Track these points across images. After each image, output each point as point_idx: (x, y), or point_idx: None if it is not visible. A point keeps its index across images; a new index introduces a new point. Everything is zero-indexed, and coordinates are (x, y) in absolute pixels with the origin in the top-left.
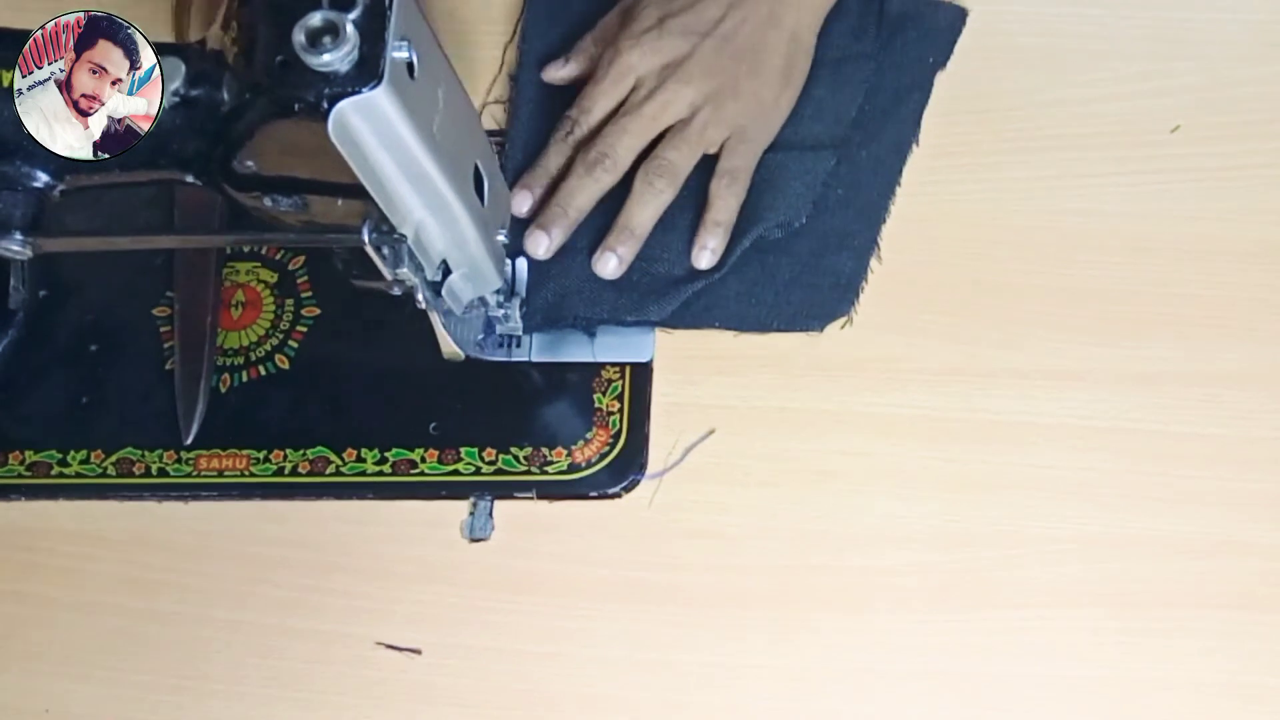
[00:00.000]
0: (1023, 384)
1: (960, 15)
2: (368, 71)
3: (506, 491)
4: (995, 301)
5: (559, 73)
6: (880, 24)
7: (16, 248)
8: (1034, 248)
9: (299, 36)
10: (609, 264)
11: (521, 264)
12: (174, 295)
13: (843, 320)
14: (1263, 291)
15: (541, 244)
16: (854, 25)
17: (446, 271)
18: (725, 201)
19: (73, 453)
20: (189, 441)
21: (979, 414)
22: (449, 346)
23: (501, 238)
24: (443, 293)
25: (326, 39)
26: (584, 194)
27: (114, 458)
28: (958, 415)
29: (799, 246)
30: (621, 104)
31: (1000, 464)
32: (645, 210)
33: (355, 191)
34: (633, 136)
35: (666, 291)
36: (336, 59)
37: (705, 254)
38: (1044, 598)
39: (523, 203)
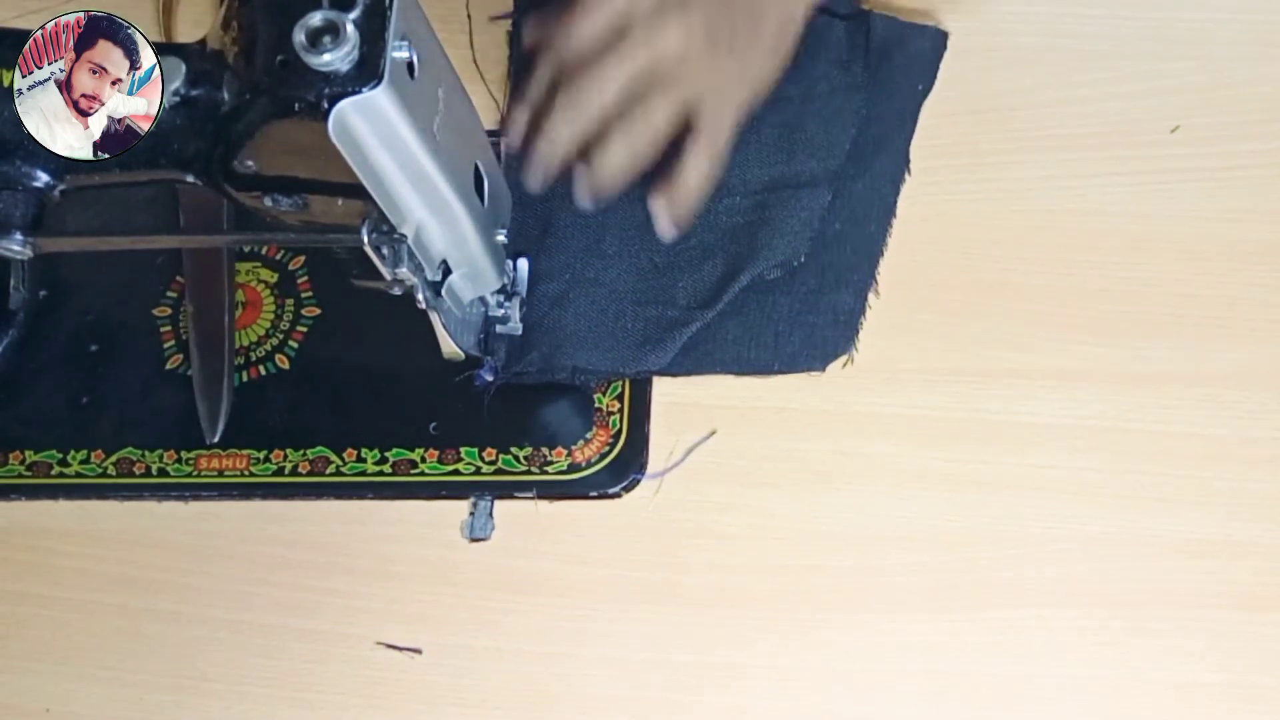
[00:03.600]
0: (1023, 384)
1: (942, 39)
2: (368, 71)
3: (507, 491)
4: (995, 301)
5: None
6: (867, 53)
7: (17, 248)
8: (1034, 248)
9: (299, 36)
10: (583, 197)
11: (522, 264)
12: (186, 295)
13: (844, 359)
14: (1263, 291)
15: (536, 178)
16: (841, 56)
17: (446, 271)
18: (699, 163)
19: (73, 452)
20: (215, 440)
21: (979, 414)
22: (449, 346)
23: (501, 237)
24: (443, 293)
25: (327, 39)
26: (568, 127)
27: (114, 458)
28: (958, 415)
29: (798, 285)
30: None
31: (1000, 464)
32: (623, 151)
33: (355, 191)
34: (618, 70)
35: (663, 337)
36: (337, 59)
37: (665, 221)
38: (1044, 598)
39: (515, 130)
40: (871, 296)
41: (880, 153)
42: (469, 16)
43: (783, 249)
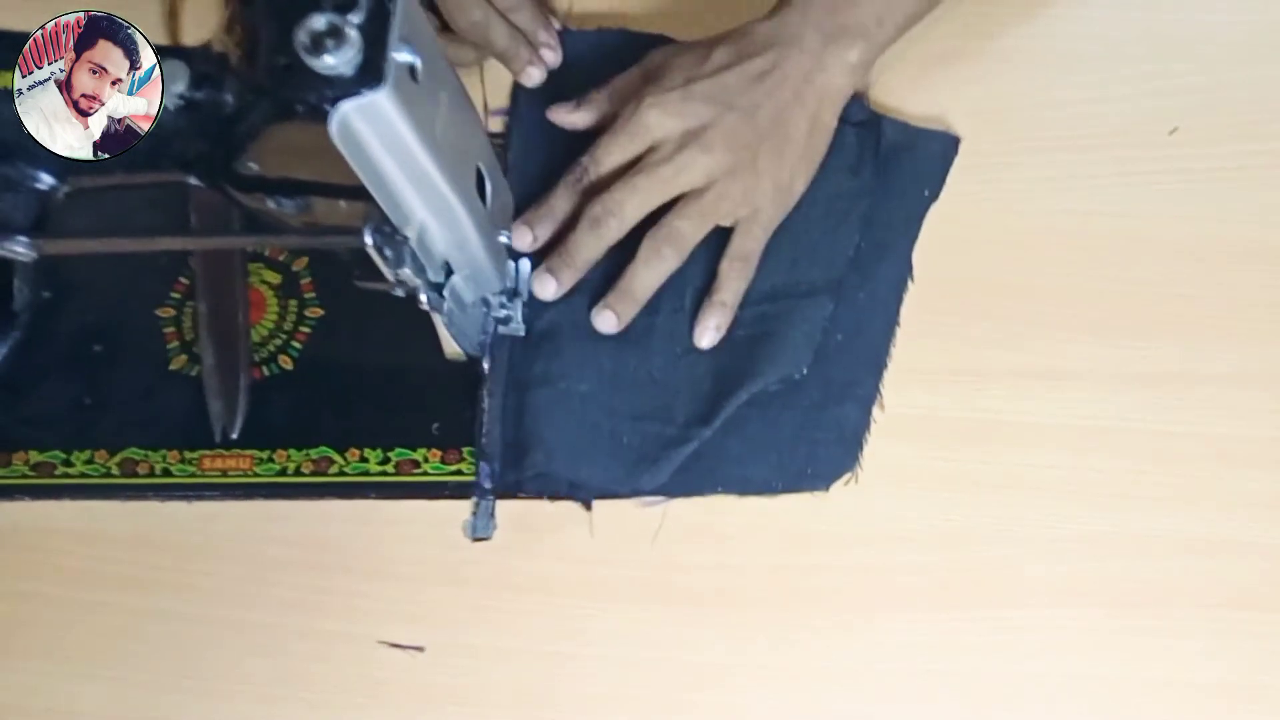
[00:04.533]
0: (1023, 384)
1: (953, 144)
2: (370, 74)
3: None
4: (995, 301)
5: (567, 116)
6: (876, 157)
7: (21, 249)
8: (1034, 248)
9: (302, 39)
10: (607, 321)
11: (524, 265)
12: (197, 293)
13: (848, 476)
14: (1262, 291)
15: (549, 288)
16: (851, 160)
17: (449, 272)
18: (733, 283)
19: (76, 453)
20: (236, 435)
21: (979, 414)
22: (451, 347)
23: (504, 239)
24: (445, 294)
25: (329, 42)
26: (589, 249)
27: (118, 458)
28: (958, 415)
29: (800, 399)
30: (634, 161)
31: (1000, 464)
32: (649, 275)
33: (358, 193)
34: (643, 196)
35: (659, 456)
36: (339, 62)
37: (709, 333)
38: (1044, 597)
39: (522, 238)
40: (876, 410)
41: (883, 260)
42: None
43: (784, 363)
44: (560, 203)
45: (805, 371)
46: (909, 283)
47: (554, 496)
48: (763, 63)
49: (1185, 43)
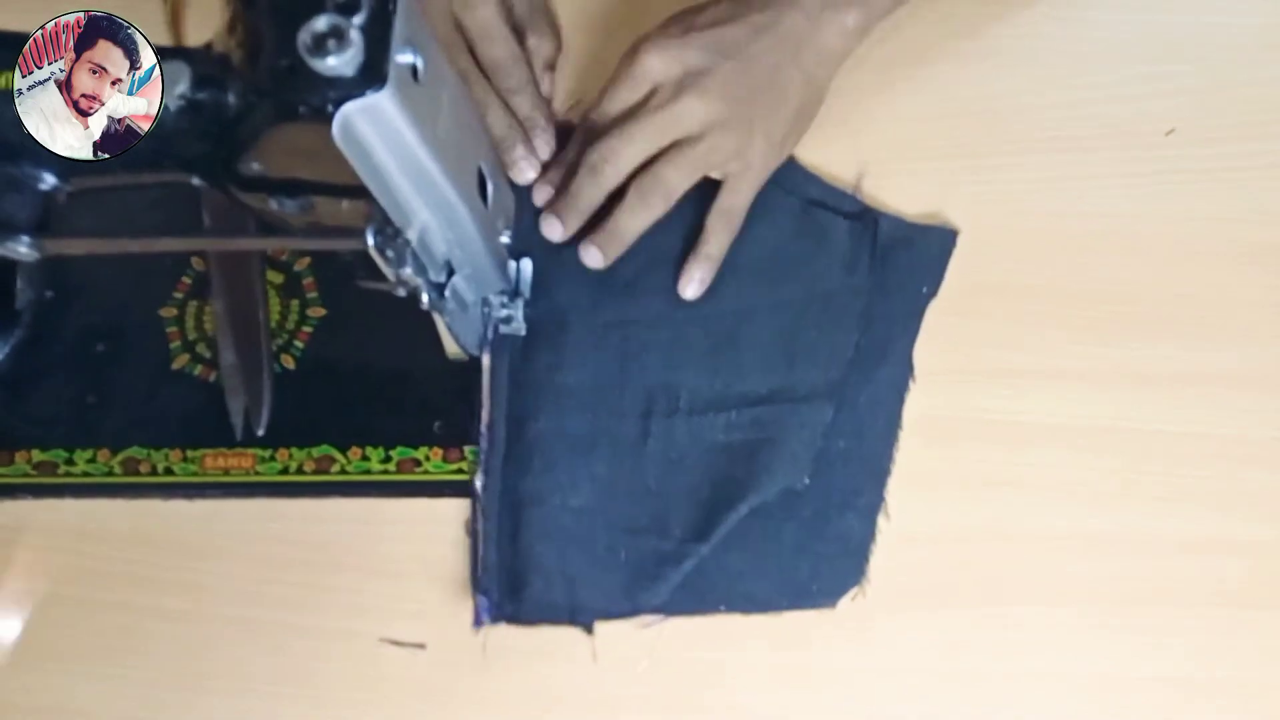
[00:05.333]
0: (1023, 384)
1: (950, 238)
2: (372, 75)
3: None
4: (995, 301)
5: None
6: (872, 254)
7: (24, 249)
8: (1034, 248)
9: (304, 40)
10: (593, 256)
11: (526, 264)
12: (214, 292)
13: (854, 591)
14: (1263, 291)
15: (555, 230)
16: (845, 256)
17: (450, 273)
18: (719, 237)
19: (79, 452)
20: (261, 432)
21: (979, 414)
22: (453, 347)
23: (505, 239)
24: (447, 294)
25: (331, 43)
26: (589, 195)
27: (120, 457)
28: (958, 415)
29: (802, 509)
30: (635, 107)
31: (1000, 464)
32: (635, 220)
33: (359, 194)
34: (639, 144)
35: (657, 574)
36: (341, 63)
37: (693, 284)
38: (1043, 596)
39: (541, 193)
40: (882, 519)
41: (884, 361)
42: None
43: (784, 473)
44: (573, 155)
45: (806, 481)
46: (910, 382)
47: (554, 622)
48: (762, 18)
49: (1184, 43)
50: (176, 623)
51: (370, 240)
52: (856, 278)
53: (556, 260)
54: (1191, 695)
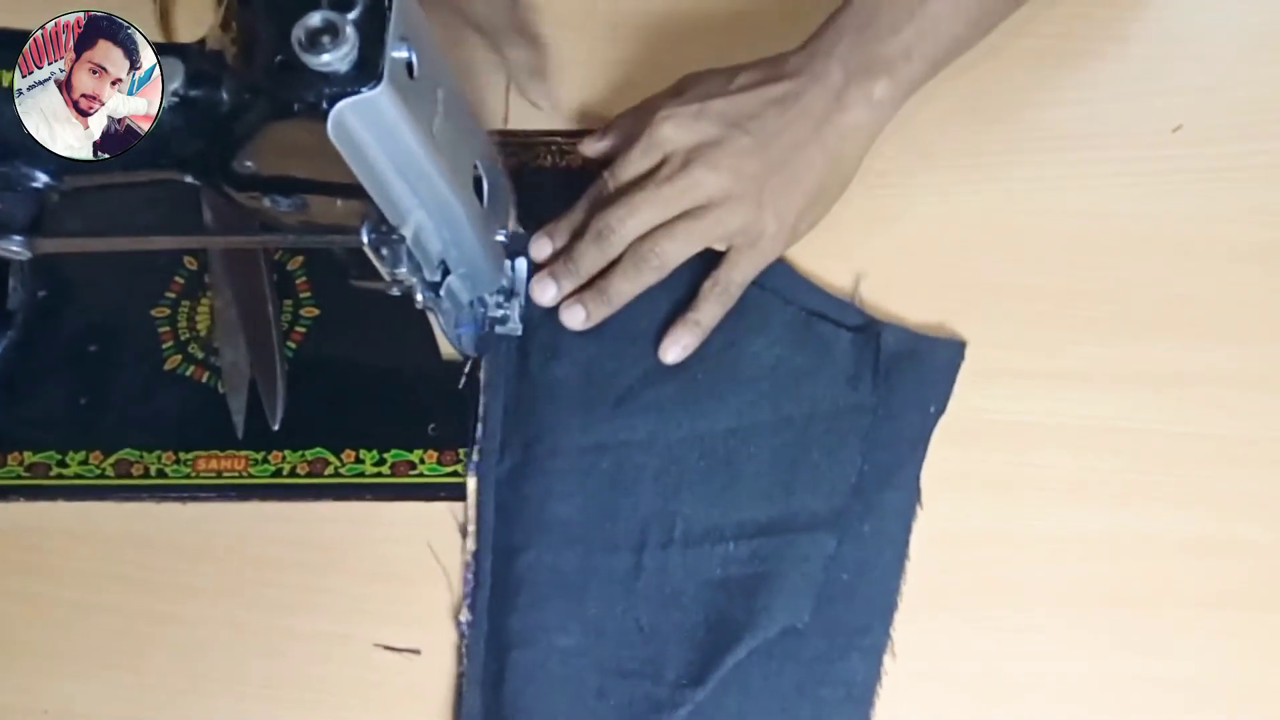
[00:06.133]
0: (1023, 384)
1: (958, 350)
2: (367, 72)
3: None
4: (995, 301)
5: (595, 146)
6: (876, 369)
7: (16, 248)
8: (1034, 248)
9: (298, 36)
10: (576, 315)
11: (521, 264)
12: (217, 291)
13: None
14: (1263, 292)
15: (549, 292)
16: (848, 371)
17: (445, 271)
18: (710, 306)
19: (72, 453)
20: (276, 428)
21: (980, 414)
22: (448, 347)
23: (501, 238)
24: (441, 293)
25: (326, 39)
26: (591, 260)
27: (113, 458)
28: (958, 415)
29: (803, 649)
30: (645, 175)
31: (1000, 464)
32: (627, 284)
33: (354, 192)
34: (645, 213)
35: (649, 719)
36: (336, 59)
37: (675, 349)
38: (1043, 597)
39: (541, 249)
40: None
41: (889, 486)
42: None
43: (784, 611)
44: (580, 215)
45: (807, 618)
46: (918, 510)
47: None
48: (783, 90)
49: (1186, 42)
50: (169, 625)
51: (365, 238)
52: (860, 395)
53: (545, 376)
54: (1192, 696)
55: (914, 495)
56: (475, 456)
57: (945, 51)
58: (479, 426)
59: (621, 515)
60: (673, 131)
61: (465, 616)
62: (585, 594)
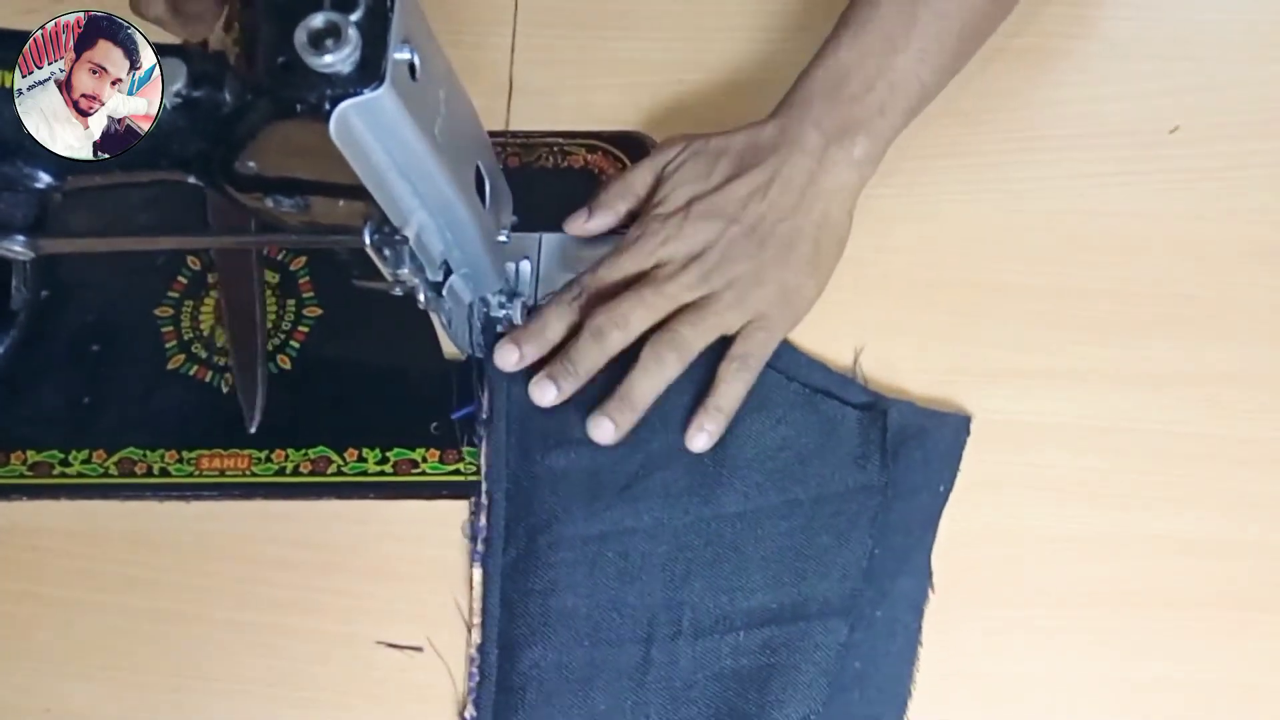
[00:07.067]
0: (1023, 384)
1: (964, 425)
2: (369, 73)
3: None
4: (995, 301)
5: (584, 226)
6: (884, 448)
7: (18, 249)
8: (1034, 248)
9: (301, 37)
10: (604, 429)
11: (524, 265)
12: (219, 289)
13: None
14: (1263, 291)
15: (549, 394)
16: (855, 451)
17: (448, 272)
18: (731, 387)
19: (74, 452)
20: (254, 431)
21: (980, 414)
22: (450, 347)
23: (503, 238)
24: (444, 293)
25: (328, 40)
26: (590, 359)
27: (116, 457)
28: None
29: None
30: (636, 276)
31: (1000, 464)
32: (650, 382)
33: (357, 192)
34: (649, 310)
35: None
36: (338, 60)
37: (702, 436)
38: (1044, 597)
39: (507, 357)
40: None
41: (900, 572)
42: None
43: (797, 703)
44: (554, 322)
45: (820, 709)
46: (930, 594)
47: None
48: (763, 174)
49: (1185, 42)
50: (171, 624)
51: (368, 238)
52: (868, 475)
53: (548, 463)
54: (1192, 697)
55: (926, 580)
56: (480, 547)
57: (919, 100)
58: (482, 516)
59: (628, 606)
60: (664, 244)
61: (470, 713)
62: (592, 689)
